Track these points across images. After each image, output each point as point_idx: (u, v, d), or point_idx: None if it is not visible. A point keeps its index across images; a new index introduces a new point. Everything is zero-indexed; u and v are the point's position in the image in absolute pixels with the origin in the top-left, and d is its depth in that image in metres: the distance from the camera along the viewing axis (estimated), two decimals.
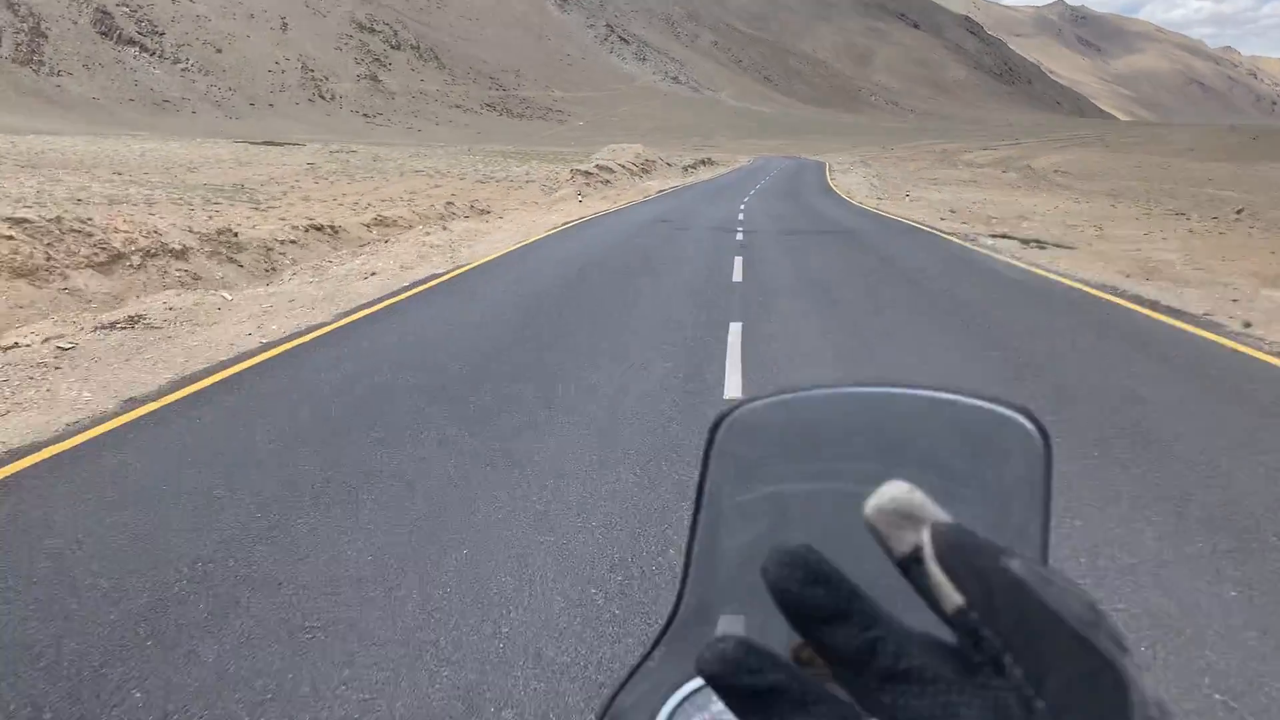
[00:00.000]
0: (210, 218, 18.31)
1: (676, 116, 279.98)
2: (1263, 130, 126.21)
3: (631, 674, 0.74)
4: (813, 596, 0.30)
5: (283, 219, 21.19)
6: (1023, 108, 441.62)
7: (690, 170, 60.90)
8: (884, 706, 0.30)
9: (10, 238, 11.91)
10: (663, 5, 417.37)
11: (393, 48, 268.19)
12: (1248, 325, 8.97)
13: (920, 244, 16.51)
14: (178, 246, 14.58)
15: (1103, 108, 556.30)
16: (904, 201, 30.93)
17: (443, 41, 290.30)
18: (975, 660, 0.29)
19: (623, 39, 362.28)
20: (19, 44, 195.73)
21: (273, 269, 15.76)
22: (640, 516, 4.22)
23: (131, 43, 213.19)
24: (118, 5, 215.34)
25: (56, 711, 2.72)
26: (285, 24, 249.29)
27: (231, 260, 15.57)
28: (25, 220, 12.77)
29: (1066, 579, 0.29)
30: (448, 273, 12.13)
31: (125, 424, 5.59)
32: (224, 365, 7.03)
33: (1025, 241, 16.50)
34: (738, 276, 11.98)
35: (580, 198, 30.76)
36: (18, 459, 4.94)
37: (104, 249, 13.24)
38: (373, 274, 12.19)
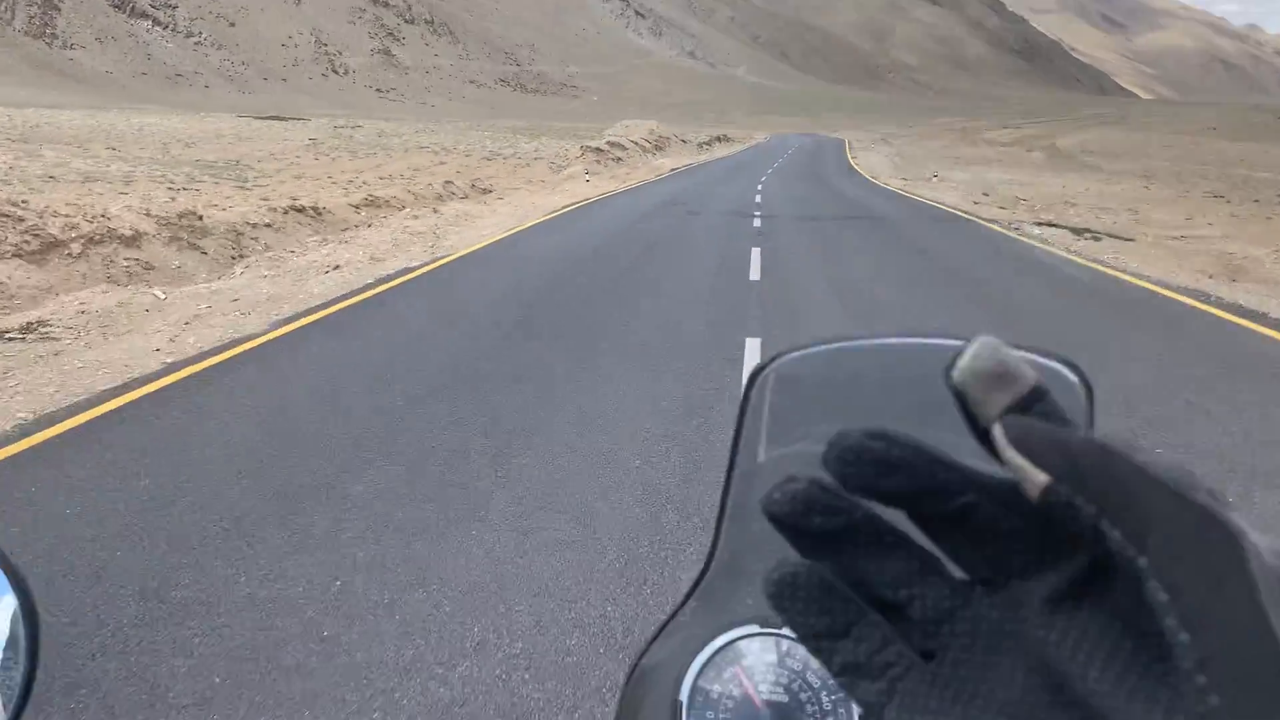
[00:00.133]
0: (173, 199, 16.75)
1: (692, 93, 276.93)
2: None
3: (662, 629, 0.77)
4: (890, 486, 0.28)
5: (265, 199, 19.63)
6: (1043, 85, 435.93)
7: (705, 147, 59.09)
8: (976, 564, 0.28)
9: None
10: None
11: (406, 22, 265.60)
12: None
13: (959, 233, 14.85)
14: (128, 232, 13.03)
15: (1124, 85, 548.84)
16: (931, 182, 29.20)
17: (457, 15, 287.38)
18: (1071, 530, 0.27)
19: (639, 13, 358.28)
20: (31, 16, 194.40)
21: (241, 256, 14.22)
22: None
23: (144, 16, 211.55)
24: None
25: None
26: None
27: (193, 247, 14.01)
28: None
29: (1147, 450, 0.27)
30: (420, 267, 10.56)
31: None
32: (92, 403, 5.46)
33: (1076, 231, 14.81)
34: (755, 274, 10.37)
35: (587, 177, 29.10)
36: None
37: (37, 235, 11.69)
38: (336, 267, 10.63)
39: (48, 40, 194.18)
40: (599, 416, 5.26)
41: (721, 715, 0.70)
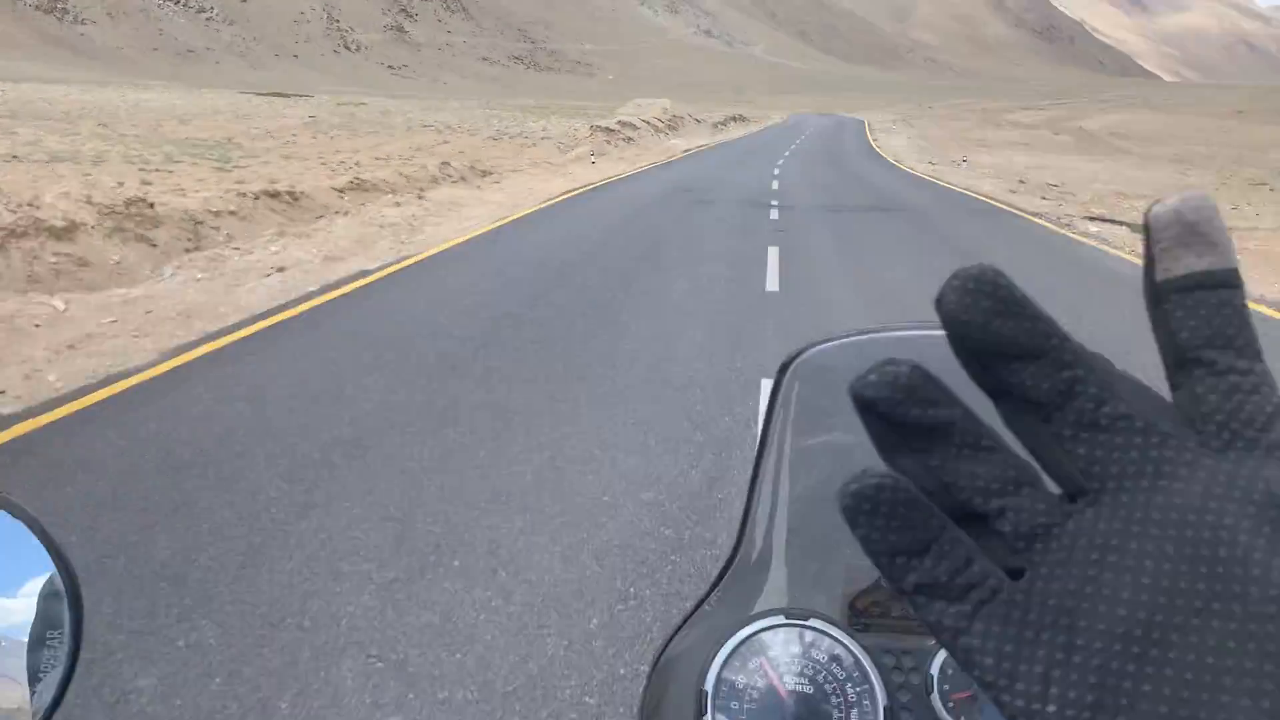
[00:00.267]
0: (118, 185, 15.12)
1: (708, 71, 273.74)
2: None
3: (687, 618, 0.76)
4: (1002, 330, 0.25)
5: (240, 182, 18.07)
6: (1065, 66, 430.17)
7: (720, 127, 57.22)
8: (1075, 458, 0.25)
9: None
10: None
11: None
12: None
13: (1005, 231, 13.15)
14: (60, 223, 11.47)
15: (1147, 67, 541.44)
16: (960, 168, 27.42)
17: None
18: (1202, 410, 0.25)
19: None
20: None
21: (198, 247, 12.66)
22: None
23: None
24: None
25: None
26: None
27: (141, 239, 12.43)
28: None
29: None
30: (378, 270, 8.95)
31: None
32: None
33: (1141, 230, 13.01)
34: (772, 282, 8.72)
35: (593, 159, 27.44)
36: None
37: None
38: (281, 269, 9.05)
39: (59, 15, 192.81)
40: (554, 522, 3.69)
41: (747, 706, 0.70)
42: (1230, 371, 0.25)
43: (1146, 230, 0.26)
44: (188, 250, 12.41)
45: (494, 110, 62.17)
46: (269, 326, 6.79)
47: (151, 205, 13.24)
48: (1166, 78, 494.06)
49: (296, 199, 16.57)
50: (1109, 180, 24.97)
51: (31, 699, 0.61)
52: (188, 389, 5.33)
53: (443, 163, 24.62)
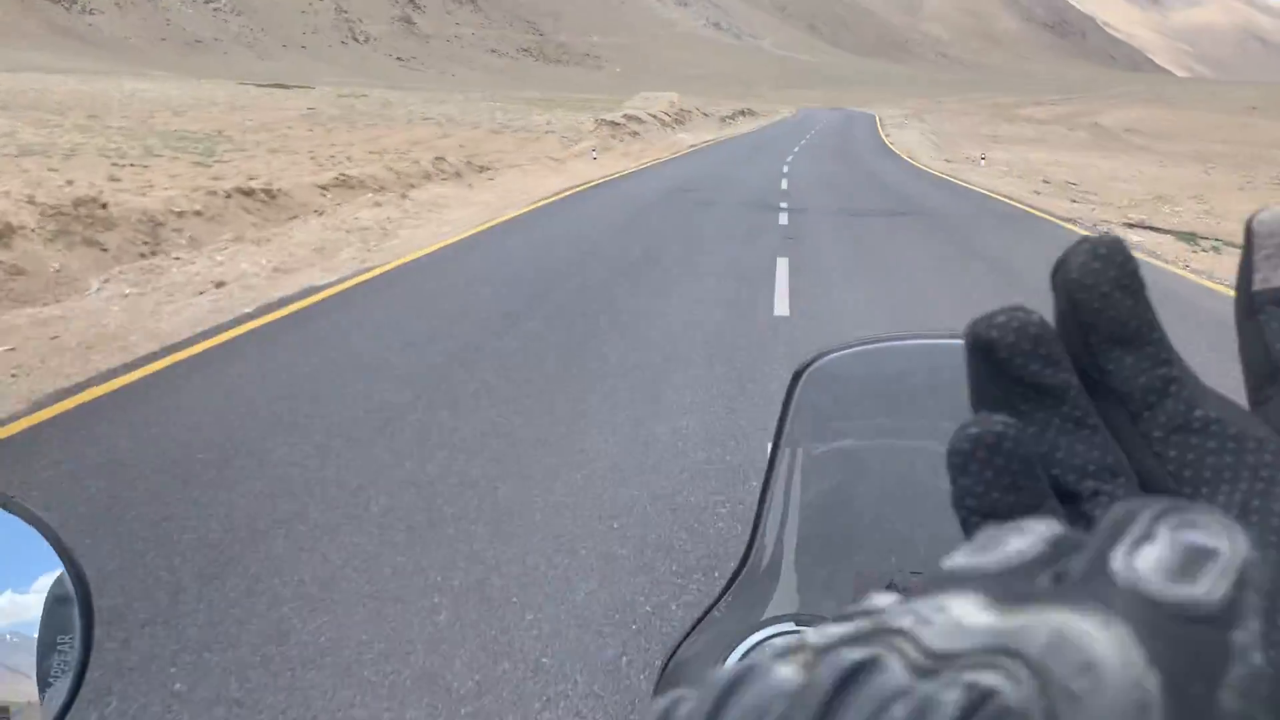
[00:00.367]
0: (67, 184, 13.98)
1: (717, 64, 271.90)
2: None
3: (697, 623, 0.73)
4: (1121, 307, 0.24)
5: (216, 178, 16.98)
6: (1076, 61, 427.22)
7: (728, 121, 55.97)
8: (1166, 460, 0.24)
9: None
10: None
11: None
12: None
13: (1040, 240, 11.92)
14: None
15: (1159, 62, 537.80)
16: (978, 166, 26.19)
17: None
18: None
19: None
20: None
21: (155, 252, 11.54)
22: None
23: None
24: None
25: None
26: None
27: (90, 243, 11.30)
28: None
29: None
30: (328, 287, 7.80)
31: None
32: None
33: (1188, 239, 11.82)
34: (782, 304, 7.53)
35: (594, 155, 26.29)
36: None
37: None
38: (220, 284, 7.92)
39: (66, 5, 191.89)
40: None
41: None
42: None
43: (1249, 237, 0.25)
44: (143, 255, 11.31)
45: (498, 102, 61.02)
46: (176, 363, 5.64)
47: (104, 205, 12.13)
48: (1178, 73, 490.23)
49: (273, 197, 15.46)
50: (1130, 179, 23.79)
51: (42, 700, 0.61)
52: (37, 455, 4.18)
53: (437, 158, 23.49)
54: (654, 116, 45.13)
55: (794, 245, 10.62)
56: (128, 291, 8.03)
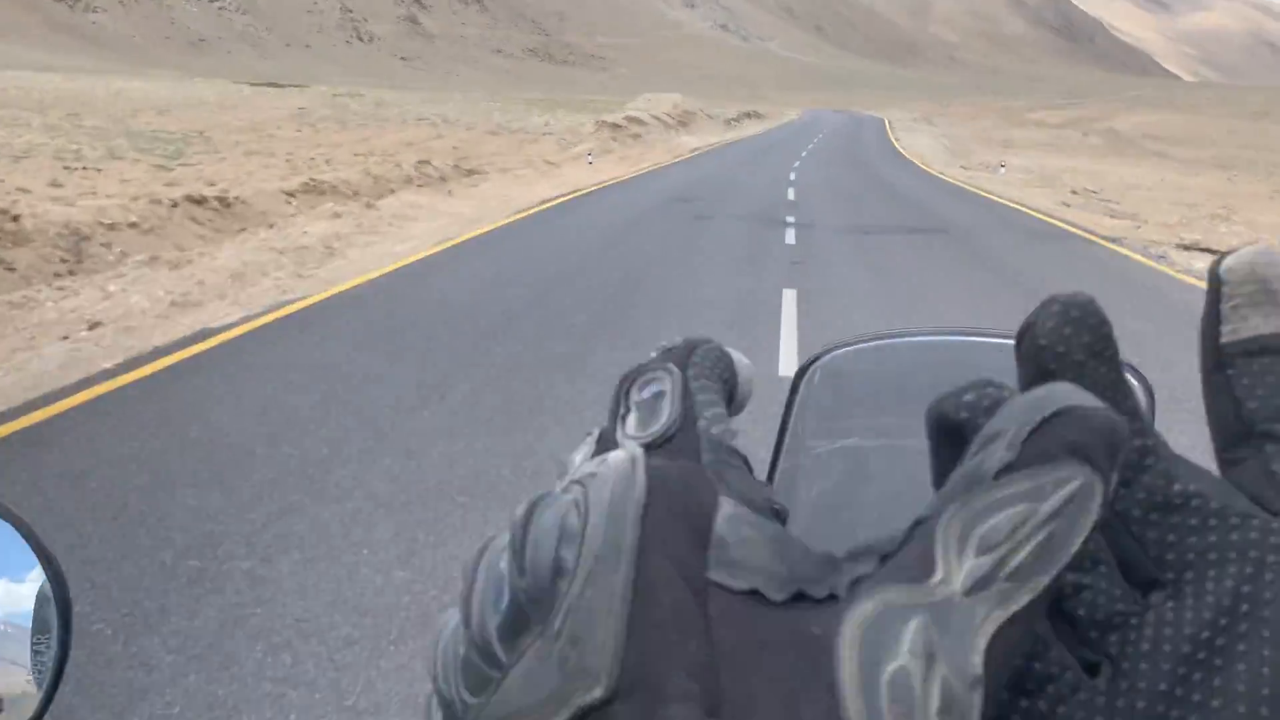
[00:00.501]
0: (54, 181, 12.53)
1: (723, 66, 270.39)
2: None
3: None
4: (1095, 375, 0.23)
5: (170, 184, 15.55)
6: (1084, 65, 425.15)
7: (734, 124, 54.53)
8: (1146, 543, 0.23)
9: None
10: None
11: None
12: None
13: (1086, 267, 10.37)
14: None
15: (1167, 67, 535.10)
16: (997, 174, 24.66)
17: None
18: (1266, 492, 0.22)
19: None
20: None
21: (74, 272, 10.07)
22: None
23: None
24: None
25: None
26: None
27: None
28: None
29: None
30: (230, 328, 6.32)
31: None
32: None
33: None
34: (788, 363, 6.01)
35: (590, 159, 24.83)
36: None
37: None
38: (95, 324, 6.43)
39: (70, 3, 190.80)
40: None
41: None
42: None
43: (1215, 285, 0.24)
44: (59, 275, 9.84)
45: (497, 103, 59.58)
46: None
47: (16, 218, 10.66)
48: (1186, 77, 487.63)
49: (227, 206, 13.98)
50: (1152, 187, 22.33)
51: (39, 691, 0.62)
52: None
53: (421, 161, 22.03)
54: (657, 118, 43.73)
55: (803, 272, 9.12)
56: None
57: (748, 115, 64.90)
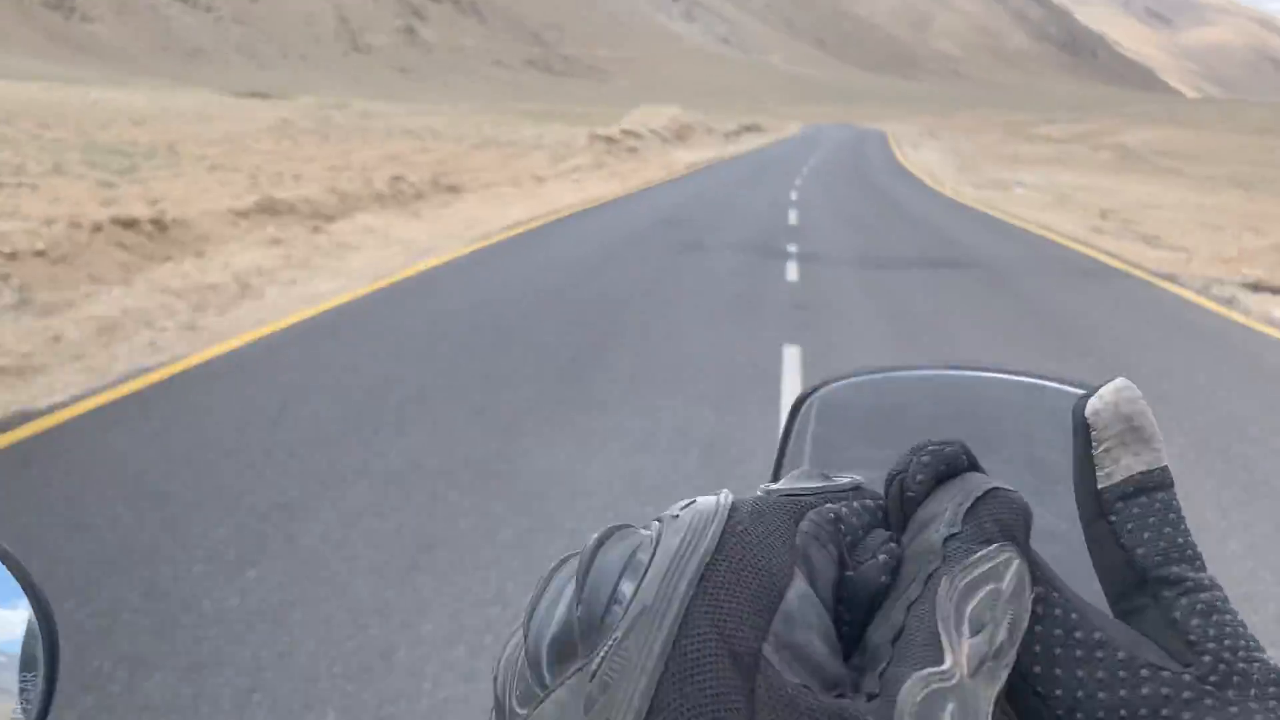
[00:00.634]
0: None
1: (724, 79, 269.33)
2: None
3: None
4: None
5: (107, 203, 13.90)
6: (1087, 80, 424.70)
7: (733, 138, 52.95)
8: (1049, 700, 0.22)
9: None
10: None
11: (433, 0, 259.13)
12: None
13: (1143, 315, 8.70)
14: None
15: (1169, 82, 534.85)
16: (1013, 192, 23.04)
17: None
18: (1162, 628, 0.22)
19: None
20: None
21: None
22: None
23: None
24: None
25: None
26: None
27: None
28: None
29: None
30: (55, 410, 4.64)
31: None
32: None
33: None
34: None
35: (575, 176, 23.24)
36: None
37: None
38: None
39: (65, 13, 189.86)
40: None
41: None
42: (1199, 589, 0.22)
43: (1083, 431, 0.23)
44: None
45: (489, 115, 58.09)
46: None
47: None
48: (1188, 93, 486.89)
49: (163, 229, 12.27)
50: (1173, 206, 20.74)
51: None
52: None
53: (395, 177, 20.35)
54: (654, 132, 42.17)
55: (807, 322, 7.44)
56: None
57: (748, 129, 63.42)
